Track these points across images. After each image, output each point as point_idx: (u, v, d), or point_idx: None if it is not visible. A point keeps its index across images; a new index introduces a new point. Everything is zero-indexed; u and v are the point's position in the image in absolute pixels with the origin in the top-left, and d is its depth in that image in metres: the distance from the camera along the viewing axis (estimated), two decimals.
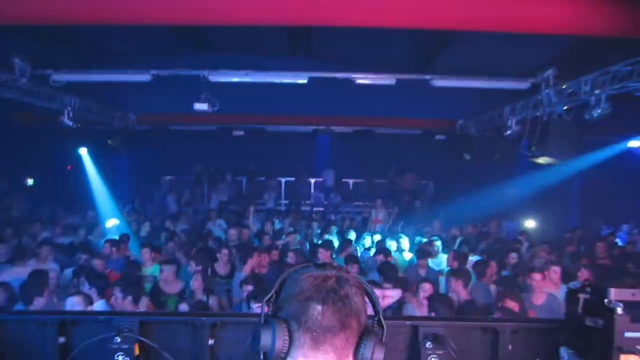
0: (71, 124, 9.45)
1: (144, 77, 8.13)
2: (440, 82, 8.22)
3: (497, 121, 9.63)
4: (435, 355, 2.55)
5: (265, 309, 1.15)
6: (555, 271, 6.15)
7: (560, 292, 5.82)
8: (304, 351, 1.07)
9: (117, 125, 11.59)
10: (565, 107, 7.39)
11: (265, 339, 1.07)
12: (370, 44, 8.49)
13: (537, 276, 5.60)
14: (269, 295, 1.16)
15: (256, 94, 9.63)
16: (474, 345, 2.69)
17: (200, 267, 5.82)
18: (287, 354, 1.07)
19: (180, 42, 9.21)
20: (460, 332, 2.70)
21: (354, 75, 8.33)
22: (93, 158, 12.83)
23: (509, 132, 9.13)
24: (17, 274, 6.26)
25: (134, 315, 2.90)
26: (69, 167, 13.79)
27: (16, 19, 5.15)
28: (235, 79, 8.37)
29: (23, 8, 4.92)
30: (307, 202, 14.77)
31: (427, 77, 8.22)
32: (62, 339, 2.59)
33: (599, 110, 6.58)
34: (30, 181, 14.67)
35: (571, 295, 2.52)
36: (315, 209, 14.36)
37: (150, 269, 6.73)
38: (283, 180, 15.24)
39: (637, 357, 2.16)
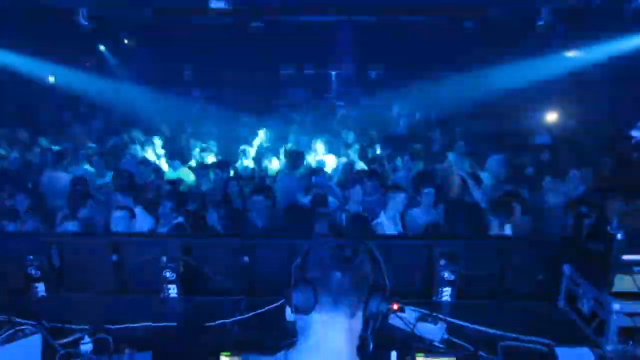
0: (87, 23, 9.35)
1: None
2: None
3: (530, 9, 9.06)
4: (448, 271, 2.83)
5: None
6: (574, 173, 6.20)
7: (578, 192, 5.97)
8: (326, 308, 1.36)
9: (133, 20, 11.37)
10: None
11: (296, 298, 1.36)
12: None
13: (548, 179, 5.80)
14: (296, 262, 1.44)
15: None
16: (484, 260, 2.94)
17: None
18: (312, 308, 1.36)
19: None
20: (473, 249, 2.95)
21: None
22: (112, 56, 12.74)
23: (542, 22, 8.67)
24: (58, 180, 6.71)
25: (177, 237, 3.22)
26: (87, 64, 13.78)
27: None
28: None
29: None
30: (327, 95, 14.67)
31: None
32: (115, 257, 2.94)
33: None
34: (52, 79, 14.68)
35: (578, 219, 2.70)
36: (337, 102, 14.29)
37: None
38: (304, 73, 14.98)
39: (630, 276, 2.37)
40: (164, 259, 2.82)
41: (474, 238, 3.62)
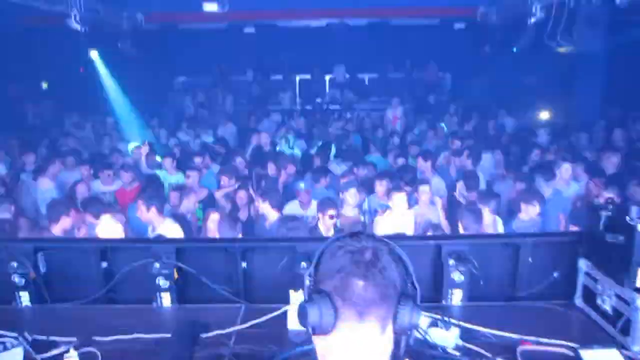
0: (79, 27, 9.16)
1: None
2: None
3: (520, 8, 9.00)
4: (457, 272, 2.67)
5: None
6: (566, 169, 6.18)
7: (569, 188, 6.04)
8: (350, 323, 1.13)
9: (126, 26, 11.21)
10: None
11: (313, 315, 1.12)
12: None
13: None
14: (309, 270, 1.20)
15: None
16: (495, 259, 2.79)
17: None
18: (333, 326, 1.12)
19: None
20: (483, 248, 2.80)
21: None
22: (104, 62, 12.55)
23: (533, 20, 8.59)
24: (45, 185, 6.58)
25: (170, 242, 3.04)
26: (81, 70, 13.60)
27: None
28: None
29: None
30: (320, 100, 14.58)
31: None
32: (104, 264, 2.76)
33: None
34: (45, 85, 14.47)
35: (593, 211, 2.55)
36: (331, 106, 14.19)
37: (174, 177, 6.95)
38: (297, 77, 14.89)
39: None
40: (157, 265, 2.65)
41: (482, 237, 3.47)
